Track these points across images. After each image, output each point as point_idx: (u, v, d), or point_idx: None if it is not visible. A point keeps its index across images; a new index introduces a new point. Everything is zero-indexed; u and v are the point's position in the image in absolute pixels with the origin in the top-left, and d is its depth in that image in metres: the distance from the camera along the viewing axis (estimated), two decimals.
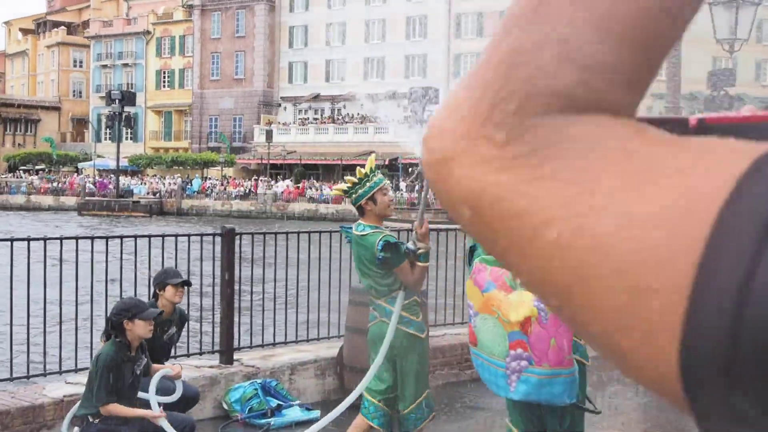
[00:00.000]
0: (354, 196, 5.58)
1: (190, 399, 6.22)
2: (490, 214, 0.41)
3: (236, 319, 7.64)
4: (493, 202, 0.41)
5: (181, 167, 70.84)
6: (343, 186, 5.75)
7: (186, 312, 6.83)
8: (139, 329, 5.36)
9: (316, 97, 74.42)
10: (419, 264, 5.39)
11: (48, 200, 61.80)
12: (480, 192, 0.41)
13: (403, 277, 5.40)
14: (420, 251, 5.35)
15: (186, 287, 6.51)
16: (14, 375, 6.54)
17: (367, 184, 5.54)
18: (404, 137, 7.37)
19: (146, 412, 5.38)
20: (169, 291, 6.23)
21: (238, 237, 7.59)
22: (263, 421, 6.94)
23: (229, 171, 68.99)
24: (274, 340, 8.36)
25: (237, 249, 7.51)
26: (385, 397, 5.65)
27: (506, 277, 4.38)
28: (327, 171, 65.84)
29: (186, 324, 6.76)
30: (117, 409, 5.25)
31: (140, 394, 5.49)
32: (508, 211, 0.40)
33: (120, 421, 5.29)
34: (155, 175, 69.33)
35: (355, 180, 5.59)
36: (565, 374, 4.34)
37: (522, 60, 0.41)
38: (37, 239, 6.61)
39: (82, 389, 5.71)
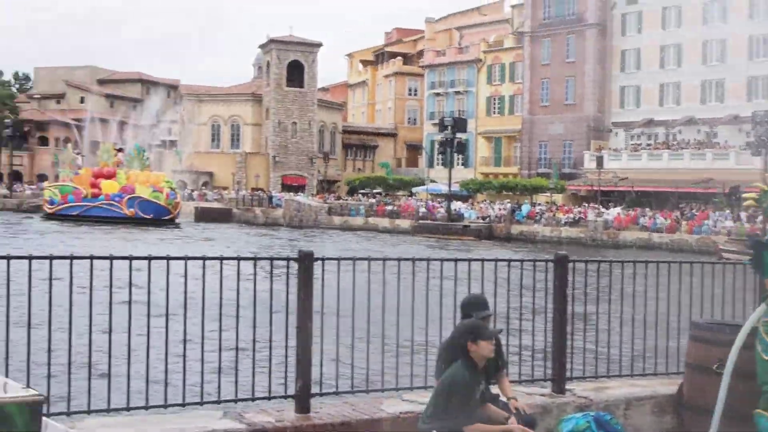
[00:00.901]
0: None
1: (527, 425, 6.17)
2: None
3: (568, 347, 7.49)
4: None
5: (510, 192, 71.76)
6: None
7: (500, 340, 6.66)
8: (484, 350, 5.45)
9: (649, 122, 72.20)
10: None
11: (384, 222, 65.23)
12: None
13: None
14: None
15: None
16: (354, 388, 6.85)
17: None
18: (747, 164, 6.78)
19: (509, 426, 5.54)
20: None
21: (570, 263, 7.45)
22: None
23: (559, 197, 68.73)
24: (608, 371, 8.11)
25: (569, 276, 7.37)
26: None
27: None
28: (660, 199, 63.47)
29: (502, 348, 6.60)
30: (481, 428, 5.41)
31: None
32: None
33: None
34: (485, 200, 70.79)
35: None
36: None
37: None
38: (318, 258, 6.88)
39: (417, 407, 5.83)
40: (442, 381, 5.53)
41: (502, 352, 6.45)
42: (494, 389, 6.21)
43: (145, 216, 61.45)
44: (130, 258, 5.51)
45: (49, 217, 63.46)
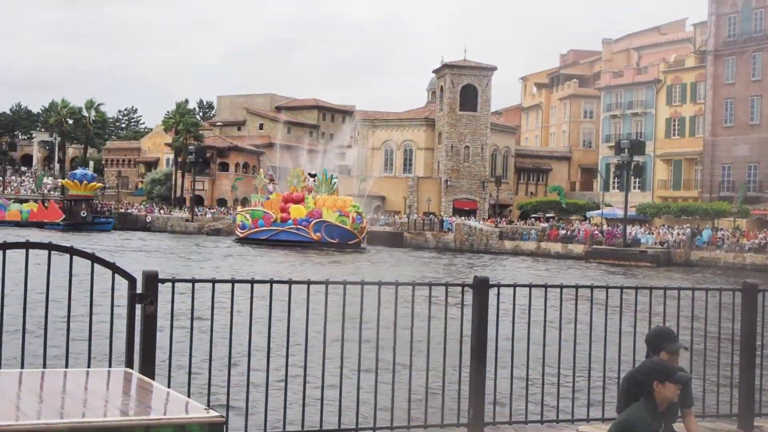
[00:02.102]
0: None
1: None
2: None
3: (757, 381, 7.09)
4: None
5: (690, 217, 69.07)
6: None
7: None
8: (669, 393, 5.19)
9: None
10: None
11: (556, 247, 64.16)
12: None
13: None
14: None
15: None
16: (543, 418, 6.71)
17: None
18: None
19: None
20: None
21: (760, 294, 7.06)
22: None
23: (742, 222, 65.55)
24: None
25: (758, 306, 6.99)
26: None
27: None
28: None
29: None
30: None
31: None
32: None
33: None
34: (663, 225, 68.44)
35: None
36: None
37: None
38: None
39: None
40: (620, 423, 5.32)
41: (689, 392, 6.15)
42: (678, 425, 5.94)
43: (331, 240, 62.64)
44: (308, 282, 5.61)
45: (241, 241, 65.82)
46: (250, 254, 52.22)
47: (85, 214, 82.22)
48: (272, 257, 49.69)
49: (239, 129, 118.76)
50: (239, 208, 77.51)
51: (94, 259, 4.76)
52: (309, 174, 70.04)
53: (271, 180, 73.52)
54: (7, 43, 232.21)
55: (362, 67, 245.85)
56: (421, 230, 75.06)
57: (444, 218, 78.02)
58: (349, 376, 6.12)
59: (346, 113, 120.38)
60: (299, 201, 66.51)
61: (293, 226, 64.79)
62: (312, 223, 64.13)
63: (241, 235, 67.24)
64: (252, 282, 5.45)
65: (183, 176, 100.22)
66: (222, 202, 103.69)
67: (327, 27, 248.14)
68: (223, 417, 3.47)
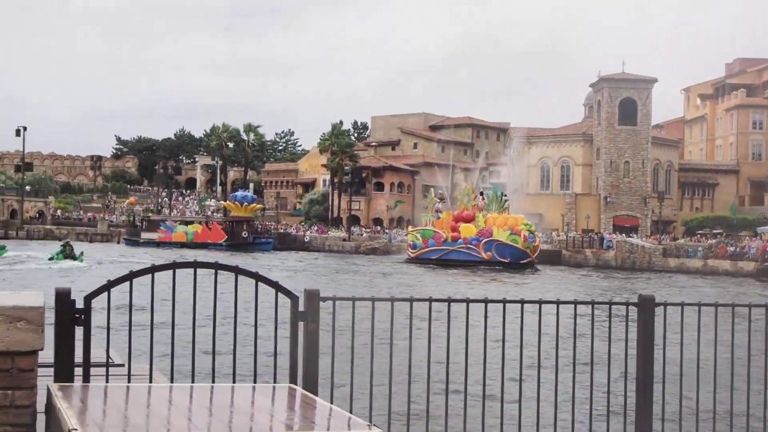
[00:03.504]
0: None
1: None
2: None
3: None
4: None
5: None
6: None
7: None
8: None
9: None
10: None
11: (725, 265, 61.63)
12: None
13: None
14: None
15: None
16: None
17: None
18: None
19: None
20: None
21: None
22: None
23: None
24: None
25: None
26: None
27: None
28: None
29: None
30: None
31: None
32: None
33: None
34: None
35: None
36: None
37: None
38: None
39: None
40: None
41: None
42: None
43: (503, 260, 61.93)
44: (448, 300, 5.61)
45: (411, 260, 66.16)
46: (415, 273, 52.62)
47: (246, 234, 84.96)
48: (441, 276, 49.77)
49: (393, 149, 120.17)
50: (410, 228, 77.86)
51: (257, 277, 4.92)
52: (479, 192, 69.51)
53: (441, 199, 73.46)
54: (172, 72, 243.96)
55: (516, 83, 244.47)
56: (579, 248, 73.65)
57: (604, 235, 76.32)
58: (510, 393, 6.06)
59: (500, 130, 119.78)
60: (470, 220, 65.98)
61: (463, 245, 64.38)
62: (482, 242, 63.49)
63: (411, 255, 67.46)
64: (411, 300, 5.50)
65: (339, 196, 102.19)
66: (378, 222, 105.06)
67: (479, 45, 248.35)
68: None
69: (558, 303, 5.87)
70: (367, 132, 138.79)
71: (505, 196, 69.04)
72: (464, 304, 5.62)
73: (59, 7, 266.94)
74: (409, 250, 68.87)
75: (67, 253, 54.08)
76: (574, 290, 40.87)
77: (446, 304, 5.59)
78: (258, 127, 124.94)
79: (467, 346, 5.52)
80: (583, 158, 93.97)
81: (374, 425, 3.63)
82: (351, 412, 4.06)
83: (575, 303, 5.95)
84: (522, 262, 62.06)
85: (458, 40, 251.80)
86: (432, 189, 76.30)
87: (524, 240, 63.04)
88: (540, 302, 5.86)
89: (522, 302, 5.79)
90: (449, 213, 68.89)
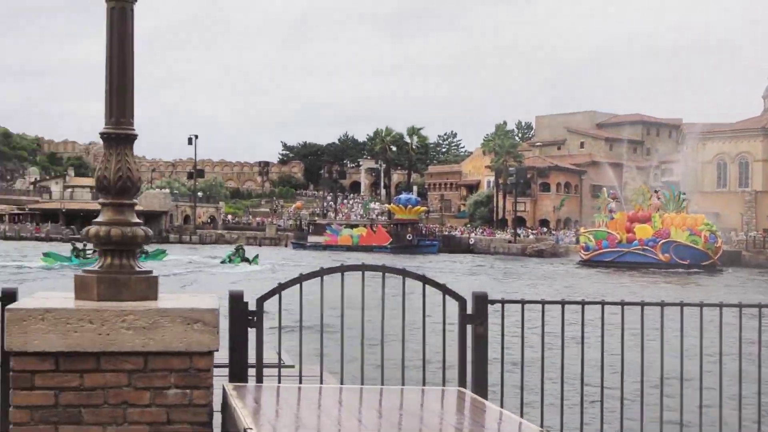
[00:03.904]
0: None
1: None
2: None
3: None
4: None
5: None
6: None
7: None
8: None
9: None
10: None
11: None
12: None
13: None
14: None
15: None
16: None
17: None
18: None
19: None
20: None
21: None
22: None
23: None
24: None
25: None
26: None
27: None
28: None
29: None
30: None
31: None
32: None
33: None
34: None
35: None
36: None
37: None
38: None
39: None
40: None
41: None
42: None
43: (681, 261, 59.86)
44: (642, 304, 5.44)
45: (584, 263, 64.97)
46: (587, 275, 51.65)
47: (411, 237, 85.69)
48: (613, 280, 48.61)
49: (559, 148, 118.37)
50: (582, 229, 76.39)
51: (424, 280, 4.95)
52: (654, 191, 67.36)
53: (615, 199, 71.62)
54: (336, 78, 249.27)
55: (688, 77, 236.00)
56: (761, 248, 70.16)
57: None
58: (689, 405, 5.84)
59: (671, 127, 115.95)
60: (645, 220, 63.91)
61: (639, 246, 62.56)
62: (660, 243, 61.46)
63: (584, 257, 66.14)
64: (582, 303, 5.38)
65: (504, 197, 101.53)
66: (544, 223, 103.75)
67: (648, 40, 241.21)
68: None
69: (720, 306, 5.57)
70: (532, 132, 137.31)
71: (684, 195, 66.38)
72: (639, 308, 5.44)
73: (225, 21, 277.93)
74: (582, 252, 67.47)
75: (242, 257, 56.20)
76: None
77: (619, 307, 5.43)
78: (421, 129, 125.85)
79: (643, 351, 5.35)
80: (763, 153, 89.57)
81: (547, 429, 3.59)
82: (522, 417, 4.02)
83: (739, 306, 5.64)
84: (703, 264, 59.62)
85: (626, 35, 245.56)
86: (604, 189, 74.30)
87: (705, 241, 60.52)
88: (720, 305, 5.60)
89: (701, 305, 5.55)
90: (623, 213, 66.86)
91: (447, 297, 4.97)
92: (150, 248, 55.07)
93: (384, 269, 4.94)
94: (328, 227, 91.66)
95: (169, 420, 4.15)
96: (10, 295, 4.69)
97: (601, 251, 64.59)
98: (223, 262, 56.60)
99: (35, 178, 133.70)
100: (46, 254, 54.28)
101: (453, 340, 5.04)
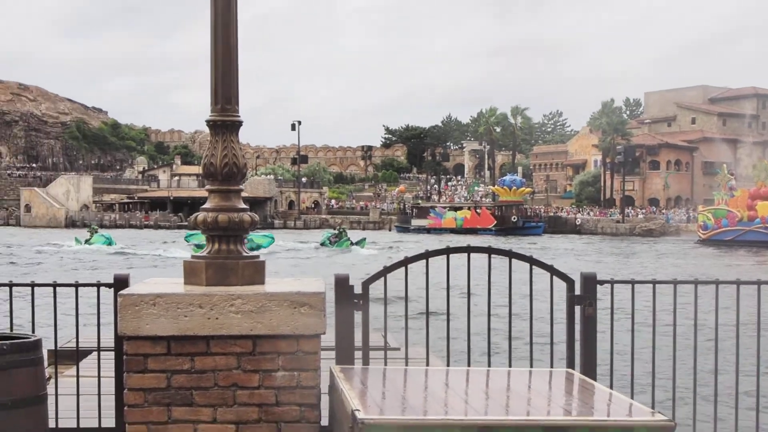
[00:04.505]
0: None
1: None
2: None
3: None
4: None
5: None
6: None
7: None
8: None
9: None
10: None
11: None
12: None
13: None
14: None
15: None
16: None
17: None
18: None
19: None
20: None
21: None
22: None
23: None
24: None
25: None
26: None
27: None
28: None
29: None
30: None
31: None
32: None
33: None
34: None
35: None
36: None
37: None
38: None
39: None
40: None
41: None
42: None
43: None
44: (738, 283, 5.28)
45: (703, 242, 63.38)
46: (700, 255, 50.29)
47: (516, 218, 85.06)
48: (733, 260, 47.16)
49: (669, 125, 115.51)
50: (700, 208, 74.37)
51: (532, 261, 4.92)
52: None
53: (732, 175, 69.25)
54: (438, 60, 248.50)
55: None
56: None
57: None
58: None
59: None
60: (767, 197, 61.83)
61: (762, 225, 60.61)
62: None
63: (703, 236, 64.46)
64: (695, 283, 5.25)
65: (612, 177, 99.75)
66: (654, 202, 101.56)
67: (763, 11, 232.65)
68: (672, 421, 3.40)
69: None
70: (640, 109, 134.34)
71: None
72: (756, 287, 5.28)
73: (328, 8, 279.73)
74: (700, 231, 65.68)
75: (343, 239, 56.72)
76: None
77: (735, 286, 5.27)
78: (525, 109, 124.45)
79: (759, 335, 5.21)
80: None
81: (658, 412, 3.53)
82: (632, 398, 3.97)
83: None
84: None
85: (738, 7, 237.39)
86: (724, 165, 71.88)
87: None
88: None
89: None
90: (744, 191, 64.65)
91: (554, 278, 4.93)
92: (257, 234, 56.17)
93: (490, 251, 4.92)
94: (431, 210, 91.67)
95: (278, 402, 4.25)
96: (123, 281, 4.86)
97: (720, 230, 62.77)
98: (322, 244, 57.15)
99: (143, 168, 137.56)
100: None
101: (561, 321, 4.99)
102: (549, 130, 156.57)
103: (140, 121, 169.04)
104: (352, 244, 55.94)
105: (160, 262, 41.76)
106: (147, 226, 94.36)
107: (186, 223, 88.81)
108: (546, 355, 5.13)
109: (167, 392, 4.23)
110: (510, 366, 4.77)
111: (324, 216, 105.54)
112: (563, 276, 4.91)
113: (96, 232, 58.49)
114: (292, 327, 4.23)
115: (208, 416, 4.24)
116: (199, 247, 53.67)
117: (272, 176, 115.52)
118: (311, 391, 4.27)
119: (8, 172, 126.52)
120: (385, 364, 4.80)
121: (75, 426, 5.10)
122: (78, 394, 5.10)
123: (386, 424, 3.26)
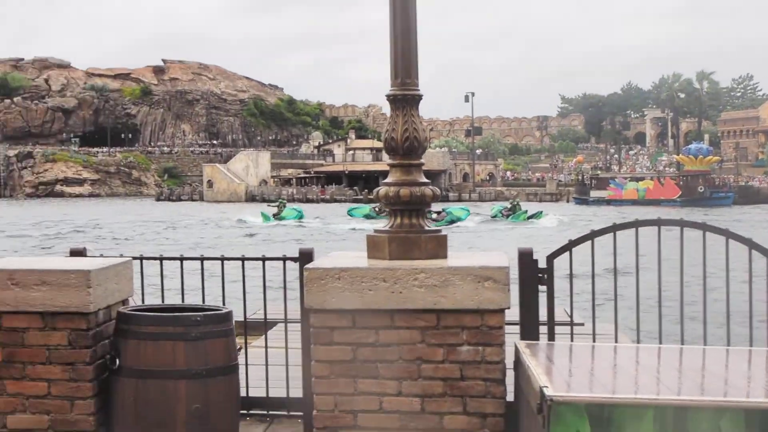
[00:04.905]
0: None
1: None
2: None
3: None
4: None
5: None
6: None
7: None
8: None
9: None
10: None
11: None
12: None
13: None
14: None
15: None
16: None
17: None
18: None
19: None
20: None
21: None
22: None
23: None
24: None
25: None
26: None
27: None
28: None
29: None
30: None
31: None
32: None
33: None
34: None
35: None
36: None
37: None
38: None
39: None
40: None
41: None
42: None
43: None
44: None
45: None
46: None
47: (703, 189, 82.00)
48: None
49: None
50: None
51: (728, 234, 4.71)
52: None
53: None
54: (619, 26, 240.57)
55: None
56: None
57: None
58: None
59: None
60: None
61: None
62: None
63: None
64: None
65: None
66: None
67: None
68: None
69: None
70: None
71: None
72: None
73: None
74: None
75: (522, 212, 56.27)
76: None
77: None
78: (712, 74, 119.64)
79: None
80: None
81: None
82: None
83: None
84: None
85: None
86: None
87: None
88: None
89: None
90: None
91: (753, 252, 4.70)
92: (455, 207, 56.43)
93: (682, 223, 4.75)
94: (611, 181, 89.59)
95: (463, 376, 4.28)
96: (307, 255, 5.00)
97: None
98: (493, 217, 56.87)
99: (318, 142, 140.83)
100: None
101: (759, 298, 4.77)
102: (738, 95, 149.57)
103: (314, 96, 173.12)
104: (528, 217, 55.48)
105: (349, 235, 42.84)
106: (323, 200, 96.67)
107: (361, 197, 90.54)
108: (745, 333, 4.91)
109: (353, 364, 4.34)
110: (705, 344, 4.61)
111: (499, 188, 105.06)
112: (763, 250, 4.68)
113: (285, 206, 59.85)
114: (476, 301, 4.24)
115: (393, 389, 4.32)
116: (368, 218, 54.60)
117: (446, 149, 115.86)
118: (496, 366, 4.27)
119: (191, 149, 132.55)
120: (572, 340, 4.74)
121: (264, 395, 5.31)
122: (267, 365, 5.29)
123: (576, 402, 3.22)
